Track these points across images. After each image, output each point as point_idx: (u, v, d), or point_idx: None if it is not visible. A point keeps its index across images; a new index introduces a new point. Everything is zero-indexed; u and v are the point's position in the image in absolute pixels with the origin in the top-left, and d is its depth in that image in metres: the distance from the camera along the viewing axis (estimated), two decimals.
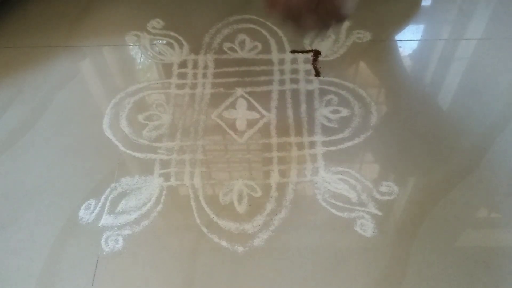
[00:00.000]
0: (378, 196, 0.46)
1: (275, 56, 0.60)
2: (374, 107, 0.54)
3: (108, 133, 0.53)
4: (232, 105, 0.55)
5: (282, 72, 0.59)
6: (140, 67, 0.61)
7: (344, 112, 0.54)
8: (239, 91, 0.57)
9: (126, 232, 0.45)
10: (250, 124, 0.53)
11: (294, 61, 0.60)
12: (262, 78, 0.58)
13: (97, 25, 0.67)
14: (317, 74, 0.58)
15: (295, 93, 0.56)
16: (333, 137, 0.52)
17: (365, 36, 0.63)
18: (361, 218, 0.45)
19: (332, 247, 0.43)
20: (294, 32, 0.46)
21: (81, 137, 0.53)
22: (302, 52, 0.61)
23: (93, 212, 0.46)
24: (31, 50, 0.63)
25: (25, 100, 0.57)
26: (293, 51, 0.61)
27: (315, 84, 0.57)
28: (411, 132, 0.51)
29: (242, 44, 0.62)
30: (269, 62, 0.60)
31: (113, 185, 0.48)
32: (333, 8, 0.44)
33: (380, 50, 0.61)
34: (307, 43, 0.61)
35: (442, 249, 0.42)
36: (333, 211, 0.45)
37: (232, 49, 0.62)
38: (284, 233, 0.44)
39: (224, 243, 0.44)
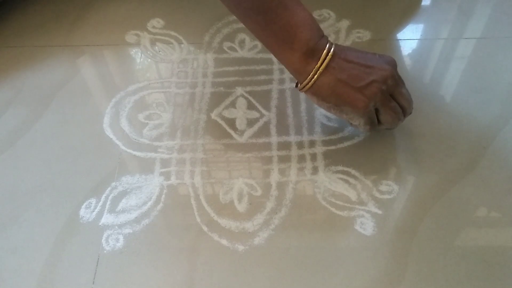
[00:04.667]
0: (378, 195, 0.47)
1: None
2: None
3: (108, 132, 0.53)
4: (232, 104, 0.56)
5: (282, 71, 0.59)
6: (140, 66, 0.61)
7: None
8: (239, 90, 0.57)
9: (127, 231, 0.45)
10: (250, 123, 0.54)
11: None
12: (262, 77, 0.58)
13: (97, 24, 0.67)
14: None
15: (295, 92, 0.56)
16: (333, 136, 0.52)
17: (365, 35, 0.63)
18: (361, 217, 0.45)
19: (332, 246, 0.43)
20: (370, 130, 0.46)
21: (82, 136, 0.53)
22: None
23: (93, 211, 0.46)
24: (31, 49, 0.63)
25: (25, 100, 0.57)
26: None
27: None
28: (411, 131, 0.51)
29: (242, 43, 0.63)
30: (269, 61, 0.60)
31: (113, 184, 0.48)
32: (406, 102, 0.45)
33: (379, 50, 0.61)
34: None
35: (442, 248, 0.42)
36: (333, 209, 0.46)
37: (232, 48, 0.62)
38: (284, 232, 0.44)
39: (224, 241, 0.44)
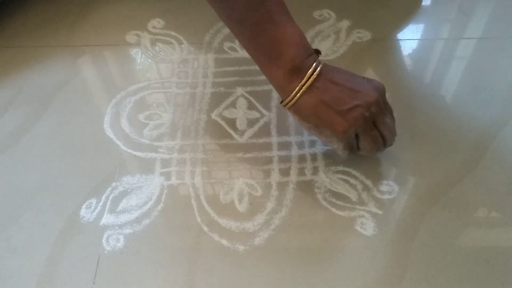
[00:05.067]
0: (378, 195, 0.47)
1: None
2: None
3: (109, 132, 0.53)
4: (233, 104, 0.56)
5: None
6: (140, 66, 0.61)
7: None
8: (240, 90, 0.57)
9: (127, 231, 0.45)
10: (251, 123, 0.54)
11: None
12: (263, 77, 0.58)
13: (98, 24, 0.67)
14: None
15: None
16: None
17: (365, 35, 0.63)
18: (361, 217, 0.45)
19: (333, 246, 0.43)
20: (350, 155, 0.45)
21: (82, 136, 0.53)
22: None
23: (94, 211, 0.46)
24: (31, 50, 0.63)
25: (25, 100, 0.57)
26: None
27: None
28: (411, 131, 0.51)
29: None
30: None
31: (114, 184, 0.48)
32: (389, 130, 0.44)
33: (380, 50, 0.61)
34: None
35: (442, 248, 0.42)
36: (333, 210, 0.46)
37: (232, 49, 0.62)
38: (285, 232, 0.44)
39: (224, 242, 0.44)
